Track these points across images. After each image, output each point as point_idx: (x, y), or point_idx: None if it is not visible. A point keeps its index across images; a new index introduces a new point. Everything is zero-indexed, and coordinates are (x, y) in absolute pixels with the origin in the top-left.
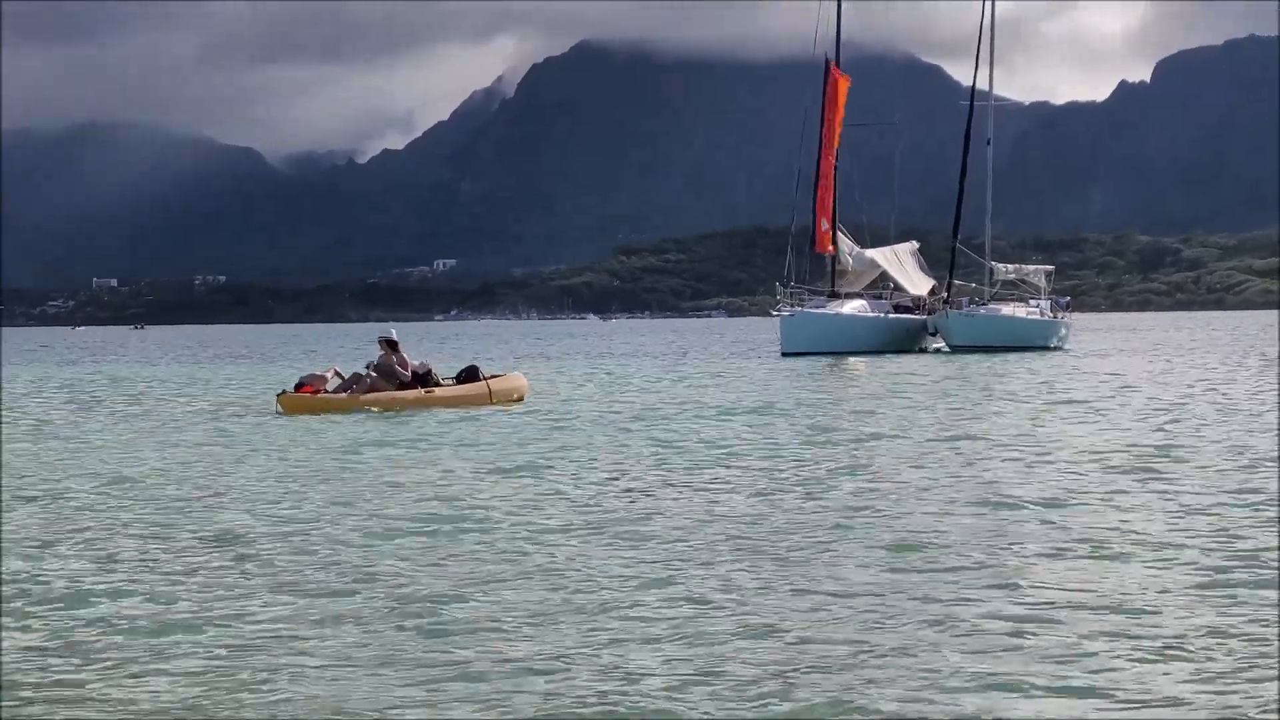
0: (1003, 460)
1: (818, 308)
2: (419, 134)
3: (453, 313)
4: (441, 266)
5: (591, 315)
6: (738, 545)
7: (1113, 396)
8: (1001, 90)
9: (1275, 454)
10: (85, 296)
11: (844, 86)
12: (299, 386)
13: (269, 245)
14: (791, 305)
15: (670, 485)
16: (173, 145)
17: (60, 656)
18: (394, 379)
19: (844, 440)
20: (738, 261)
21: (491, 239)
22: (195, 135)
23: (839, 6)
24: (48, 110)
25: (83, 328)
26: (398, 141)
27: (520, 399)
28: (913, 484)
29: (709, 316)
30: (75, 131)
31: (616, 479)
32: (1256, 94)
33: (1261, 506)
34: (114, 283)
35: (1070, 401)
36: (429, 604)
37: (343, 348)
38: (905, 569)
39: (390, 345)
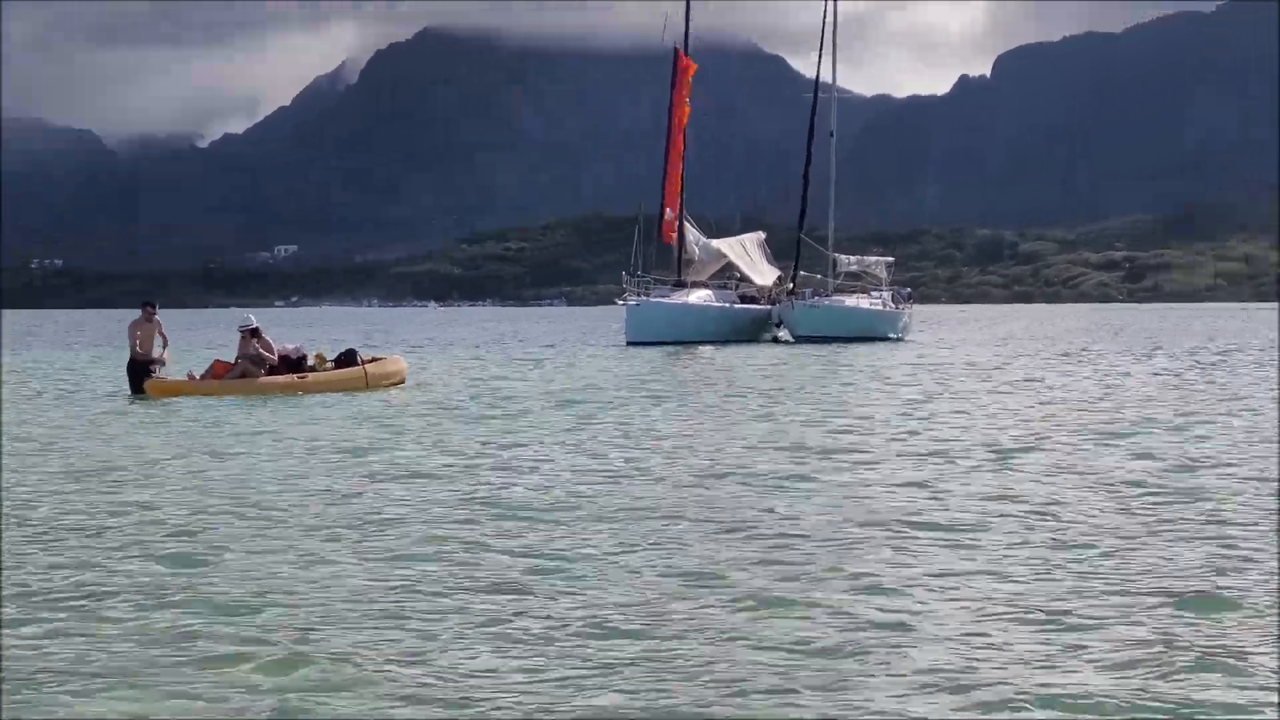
0: (829, 444)
1: (663, 297)
2: (260, 119)
3: (293, 299)
4: (283, 252)
5: (433, 303)
6: (588, 528)
7: (945, 386)
8: (844, 83)
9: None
10: None
11: (690, 73)
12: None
13: (107, 228)
14: (638, 294)
15: (530, 472)
16: (4, 127)
17: None
18: (263, 364)
19: (679, 426)
20: (581, 250)
21: (334, 225)
22: (28, 117)
23: None
24: None
25: None
26: (239, 125)
27: (400, 383)
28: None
29: (549, 305)
30: None
31: (479, 467)
32: (1093, 90)
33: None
34: None
35: (900, 387)
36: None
37: (188, 331)
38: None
39: (252, 333)
